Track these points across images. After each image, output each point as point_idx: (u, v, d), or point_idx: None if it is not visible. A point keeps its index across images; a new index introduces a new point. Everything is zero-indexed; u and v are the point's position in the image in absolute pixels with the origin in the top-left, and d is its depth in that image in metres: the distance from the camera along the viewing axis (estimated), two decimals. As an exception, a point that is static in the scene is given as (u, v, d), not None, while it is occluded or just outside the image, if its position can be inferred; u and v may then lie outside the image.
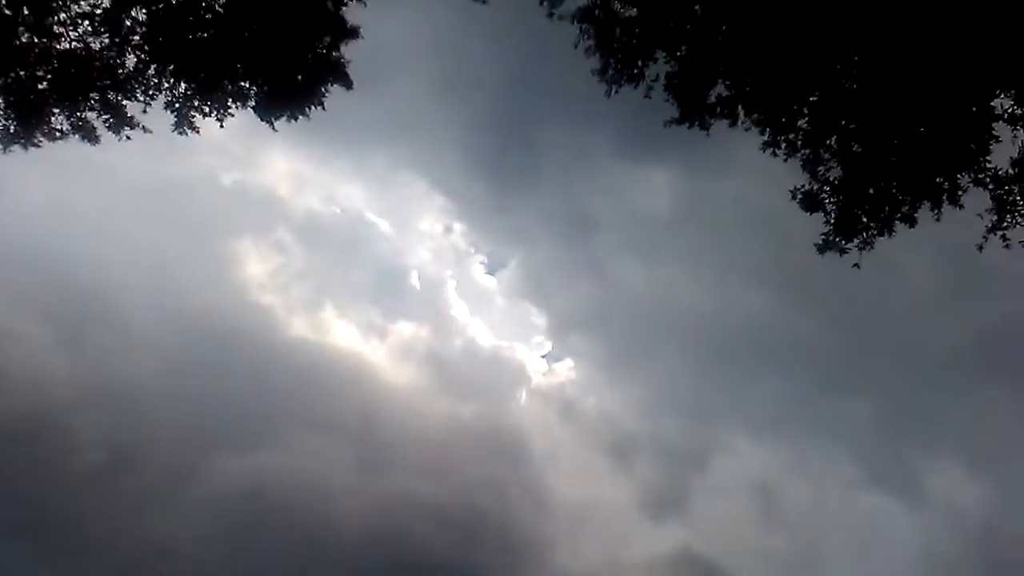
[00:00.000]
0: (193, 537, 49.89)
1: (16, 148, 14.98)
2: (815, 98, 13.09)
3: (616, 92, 13.58)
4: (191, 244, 64.50)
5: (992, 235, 12.77)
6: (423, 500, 56.85)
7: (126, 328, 54.95)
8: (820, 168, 13.35)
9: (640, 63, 13.39)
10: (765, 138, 13.47)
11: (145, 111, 14.89)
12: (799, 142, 13.37)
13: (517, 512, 59.90)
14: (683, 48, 13.21)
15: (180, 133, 14.81)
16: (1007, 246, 12.75)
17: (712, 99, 13.42)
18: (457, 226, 79.15)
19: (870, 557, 63.33)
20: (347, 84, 14.80)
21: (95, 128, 15.10)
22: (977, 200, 12.81)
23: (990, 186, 12.65)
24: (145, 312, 55.92)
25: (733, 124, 13.53)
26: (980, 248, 12.90)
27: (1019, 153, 12.28)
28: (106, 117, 14.98)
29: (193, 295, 59.42)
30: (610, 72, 13.48)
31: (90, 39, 14.49)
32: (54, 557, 45.77)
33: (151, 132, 15.18)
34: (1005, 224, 12.71)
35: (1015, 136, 12.20)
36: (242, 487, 52.51)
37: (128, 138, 15.09)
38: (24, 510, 45.78)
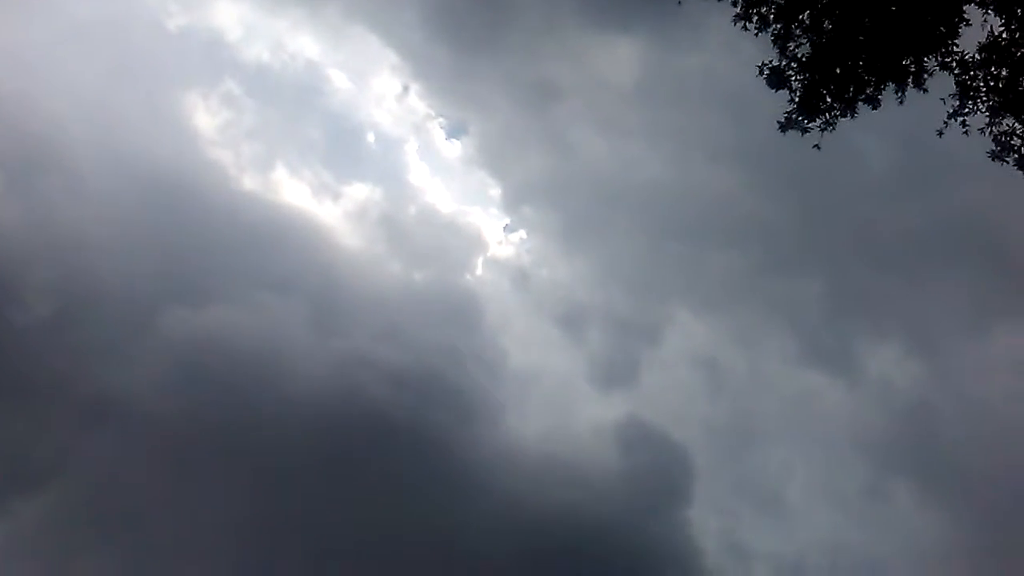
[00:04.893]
0: (145, 390, 50.53)
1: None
2: (791, -30, 12.87)
3: (589, -46, 13.23)
4: (138, 93, 62.76)
5: (952, 121, 12.86)
6: (378, 361, 57.83)
7: (74, 177, 53.95)
8: (790, 44, 13.20)
9: (616, -76, 13.02)
10: (737, 10, 13.26)
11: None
12: (771, 16, 13.18)
13: (470, 376, 61.29)
14: (661, -90, 12.86)
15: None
16: (966, 133, 12.86)
17: (686, -34, 13.16)
18: (414, 87, 77.53)
19: (803, 428, 66.27)
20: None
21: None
22: (941, 85, 12.86)
23: (955, 71, 12.65)
24: (94, 161, 54.79)
25: (706, -7, 13.29)
26: (940, 134, 12.99)
27: (987, 38, 12.25)
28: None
29: (142, 146, 58.25)
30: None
31: None
32: (6, 406, 46.07)
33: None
34: (967, 110, 12.79)
35: (985, 20, 12.14)
36: (195, 341, 52.94)
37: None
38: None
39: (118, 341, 52.31)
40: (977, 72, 12.53)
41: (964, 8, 12.09)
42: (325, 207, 73.01)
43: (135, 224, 55.42)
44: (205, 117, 68.23)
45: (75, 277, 51.19)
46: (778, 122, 13.40)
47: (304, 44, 74.74)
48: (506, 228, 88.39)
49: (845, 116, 13.29)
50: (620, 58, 71.26)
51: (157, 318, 54.27)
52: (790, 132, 13.49)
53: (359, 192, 74.62)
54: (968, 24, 12.21)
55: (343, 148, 77.87)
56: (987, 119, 12.74)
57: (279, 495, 50.81)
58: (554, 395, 68.10)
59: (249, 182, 69.37)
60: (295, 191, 72.51)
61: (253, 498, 50.03)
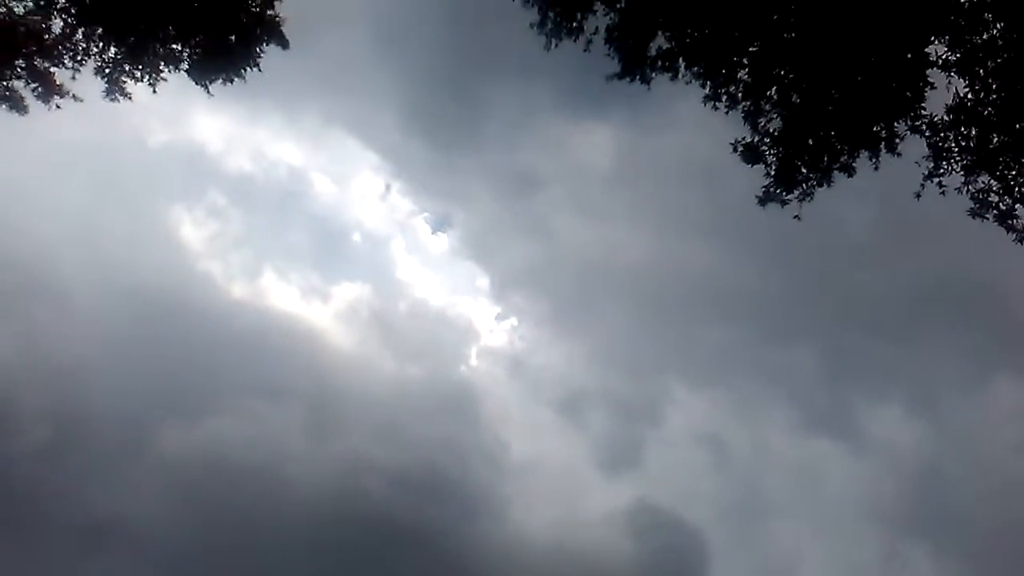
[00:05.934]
0: (146, 509, 49.49)
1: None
2: (755, 49, 13.05)
3: (555, 46, 13.42)
4: (124, 212, 63.27)
5: (929, 182, 12.93)
6: (378, 461, 56.96)
7: (64, 300, 53.86)
8: (760, 120, 13.34)
9: (579, 15, 13.25)
10: (706, 91, 13.40)
11: (74, 78, 14.46)
12: (740, 94, 13.33)
13: (473, 471, 60.33)
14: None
15: (111, 100, 14.40)
16: (943, 193, 12.91)
17: (652, 52, 13.30)
18: (396, 184, 78.63)
19: (813, 498, 65.29)
20: (283, 44, 14.45)
21: (23, 97, 14.63)
22: (914, 148, 12.97)
23: (926, 133, 12.76)
24: (82, 283, 54.86)
25: (674, 78, 13.44)
26: (918, 196, 13.04)
27: (953, 100, 12.41)
28: (34, 85, 14.52)
29: (129, 264, 58.43)
30: (548, 25, 13.31)
31: (13, 3, 13.99)
32: (3, 538, 45.07)
33: (82, 100, 14.75)
34: (941, 171, 12.85)
35: (949, 83, 12.29)
36: (193, 456, 52.14)
37: (58, 107, 14.64)
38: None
39: (114, 463, 51.52)
40: (947, 133, 12.63)
41: (928, 72, 12.26)
42: (315, 309, 73.04)
43: (126, 342, 55.12)
44: (191, 230, 68.75)
45: (69, 401, 50.62)
46: (757, 196, 13.45)
47: (285, 151, 75.81)
48: (497, 317, 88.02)
49: (822, 185, 13.36)
50: (596, 143, 72.59)
51: (152, 436, 53.58)
52: (769, 205, 13.55)
53: (348, 292, 74.78)
54: (933, 87, 12.37)
55: (330, 249, 78.47)
56: (963, 178, 12.81)
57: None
58: (559, 483, 66.99)
59: (238, 290, 69.45)
60: (285, 295, 72.58)
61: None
